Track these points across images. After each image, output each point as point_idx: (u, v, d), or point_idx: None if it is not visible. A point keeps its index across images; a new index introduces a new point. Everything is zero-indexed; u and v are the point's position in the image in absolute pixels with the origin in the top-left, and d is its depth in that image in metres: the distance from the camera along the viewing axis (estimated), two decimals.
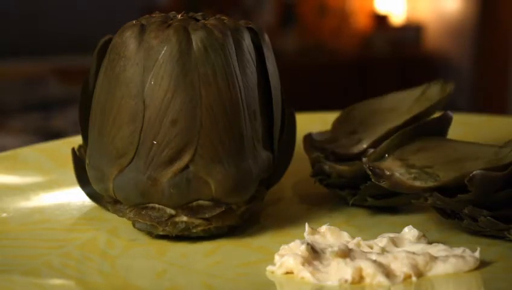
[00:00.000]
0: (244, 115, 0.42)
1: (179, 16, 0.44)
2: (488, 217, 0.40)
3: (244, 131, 0.42)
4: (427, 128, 0.46)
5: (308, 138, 0.51)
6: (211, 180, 0.41)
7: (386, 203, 0.47)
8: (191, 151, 0.41)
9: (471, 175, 0.40)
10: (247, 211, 0.44)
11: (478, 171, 0.40)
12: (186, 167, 0.41)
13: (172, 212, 0.42)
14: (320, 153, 0.49)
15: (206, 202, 0.42)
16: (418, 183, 0.42)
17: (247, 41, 0.43)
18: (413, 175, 0.42)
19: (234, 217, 0.43)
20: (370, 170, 0.43)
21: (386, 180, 0.43)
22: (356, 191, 0.47)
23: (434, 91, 0.50)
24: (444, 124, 0.47)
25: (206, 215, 0.42)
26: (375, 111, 0.52)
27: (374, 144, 0.47)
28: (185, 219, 0.42)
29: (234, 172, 0.41)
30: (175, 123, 0.40)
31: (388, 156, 0.44)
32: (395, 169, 0.43)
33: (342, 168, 0.47)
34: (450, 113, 0.47)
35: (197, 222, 0.42)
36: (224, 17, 0.44)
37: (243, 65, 0.42)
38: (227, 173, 0.41)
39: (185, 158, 0.41)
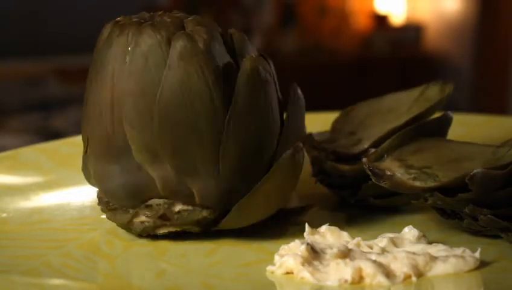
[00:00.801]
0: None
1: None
2: (489, 216, 0.40)
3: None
4: (427, 129, 0.46)
5: (309, 138, 0.51)
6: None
7: (387, 202, 0.47)
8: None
9: (471, 174, 0.40)
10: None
11: (479, 170, 0.40)
12: None
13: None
14: (321, 153, 0.49)
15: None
16: (418, 184, 0.42)
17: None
18: (412, 175, 0.42)
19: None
20: (370, 170, 0.43)
21: (387, 181, 0.43)
22: (357, 191, 0.47)
23: (433, 92, 0.50)
24: (444, 124, 0.47)
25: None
26: (374, 111, 0.52)
27: (375, 144, 0.47)
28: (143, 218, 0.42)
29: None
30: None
31: (387, 156, 0.44)
32: (394, 169, 0.43)
33: (343, 167, 0.47)
34: (450, 113, 0.47)
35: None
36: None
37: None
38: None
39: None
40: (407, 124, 0.47)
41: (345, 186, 0.48)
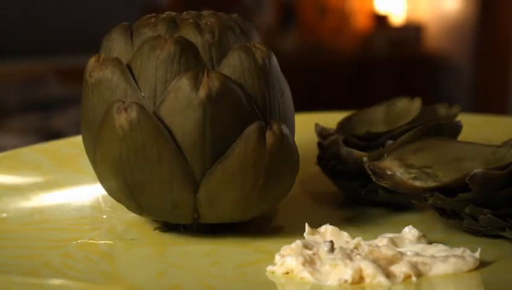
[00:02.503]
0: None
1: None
2: (489, 215, 0.40)
3: None
4: (438, 130, 0.46)
5: (317, 126, 0.51)
6: None
7: (396, 198, 0.46)
8: None
9: (472, 174, 0.40)
10: None
11: (479, 170, 0.40)
12: None
13: None
14: (339, 137, 0.48)
15: None
16: (418, 184, 0.42)
17: None
18: (412, 175, 0.42)
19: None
20: (370, 169, 0.43)
21: (387, 180, 0.42)
22: (367, 183, 0.46)
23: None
24: (454, 130, 0.47)
25: None
26: (369, 121, 0.52)
27: (390, 134, 0.47)
28: None
29: None
30: None
31: (387, 155, 0.44)
32: (394, 169, 0.43)
33: (361, 153, 0.46)
34: (459, 122, 0.48)
35: None
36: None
37: None
38: None
39: None
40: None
41: (355, 176, 0.48)
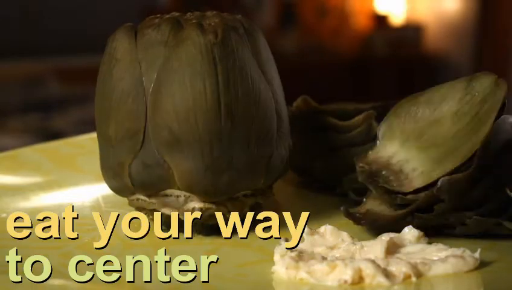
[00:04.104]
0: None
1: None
2: (475, 217, 0.40)
3: None
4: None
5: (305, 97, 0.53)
6: None
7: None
8: None
9: (438, 185, 0.40)
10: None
11: (444, 178, 0.40)
12: None
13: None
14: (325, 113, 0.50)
15: None
16: (394, 213, 0.42)
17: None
18: (393, 207, 0.42)
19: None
20: (350, 216, 0.43)
21: (364, 220, 0.43)
22: (339, 183, 0.47)
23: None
24: None
25: None
26: None
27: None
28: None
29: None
30: None
31: (366, 200, 0.44)
32: (375, 209, 0.43)
33: (343, 123, 0.49)
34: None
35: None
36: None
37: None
38: None
39: None
40: None
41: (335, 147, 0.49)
